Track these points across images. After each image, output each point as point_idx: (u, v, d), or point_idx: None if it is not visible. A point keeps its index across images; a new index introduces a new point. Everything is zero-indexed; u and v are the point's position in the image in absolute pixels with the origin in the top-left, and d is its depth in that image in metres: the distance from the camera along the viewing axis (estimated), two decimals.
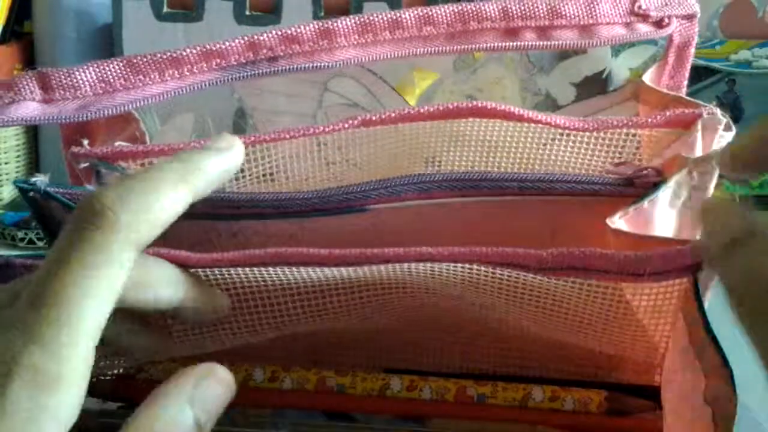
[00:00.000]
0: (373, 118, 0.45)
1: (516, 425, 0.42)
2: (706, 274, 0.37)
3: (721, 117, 0.44)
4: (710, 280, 0.38)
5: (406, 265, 0.38)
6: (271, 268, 0.39)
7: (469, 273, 0.39)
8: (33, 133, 1.08)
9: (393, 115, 0.44)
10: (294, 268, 0.39)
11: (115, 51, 1.00)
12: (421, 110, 0.45)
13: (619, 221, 0.40)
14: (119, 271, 0.31)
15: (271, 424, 0.42)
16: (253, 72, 0.44)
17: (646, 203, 0.41)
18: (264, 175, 0.46)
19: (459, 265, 0.38)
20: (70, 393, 0.29)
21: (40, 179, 0.43)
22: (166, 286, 0.36)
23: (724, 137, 0.43)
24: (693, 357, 0.35)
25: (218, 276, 0.39)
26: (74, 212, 0.31)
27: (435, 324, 0.46)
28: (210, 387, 0.32)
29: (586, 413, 0.42)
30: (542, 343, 0.45)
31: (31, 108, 0.42)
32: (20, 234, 0.94)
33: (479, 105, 0.44)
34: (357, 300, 0.41)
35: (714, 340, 0.34)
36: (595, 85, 0.75)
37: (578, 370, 0.45)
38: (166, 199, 0.33)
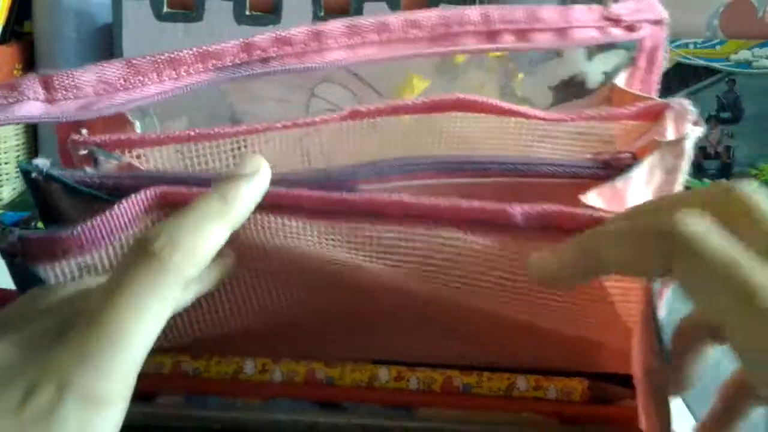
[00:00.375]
0: (362, 110, 0.47)
1: (502, 413, 0.44)
2: None
3: (689, 108, 0.46)
4: None
5: (386, 235, 0.41)
6: (258, 217, 0.42)
7: (450, 243, 0.42)
8: (33, 133, 1.10)
9: (381, 107, 0.47)
10: (279, 219, 0.42)
11: (115, 51, 1.02)
12: (408, 103, 0.48)
13: (593, 198, 0.43)
14: (166, 308, 0.34)
15: (263, 410, 0.44)
16: (246, 72, 0.46)
17: (619, 182, 0.44)
18: None
19: (440, 233, 0.41)
20: (114, 411, 0.32)
21: (42, 161, 0.45)
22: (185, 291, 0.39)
23: (694, 131, 0.46)
24: (643, 332, 0.38)
25: None
26: (129, 251, 0.35)
27: (419, 315, 0.48)
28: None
29: (569, 402, 0.44)
30: (524, 335, 0.47)
31: (34, 107, 0.44)
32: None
33: (461, 97, 0.47)
34: (339, 272, 0.44)
35: (653, 313, 0.37)
36: (570, 89, 0.78)
37: (560, 356, 0.47)
38: (211, 236, 0.36)
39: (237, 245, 0.42)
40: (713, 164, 1.09)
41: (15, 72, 1.08)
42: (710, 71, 1.06)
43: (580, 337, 0.46)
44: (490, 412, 0.44)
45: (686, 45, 1.06)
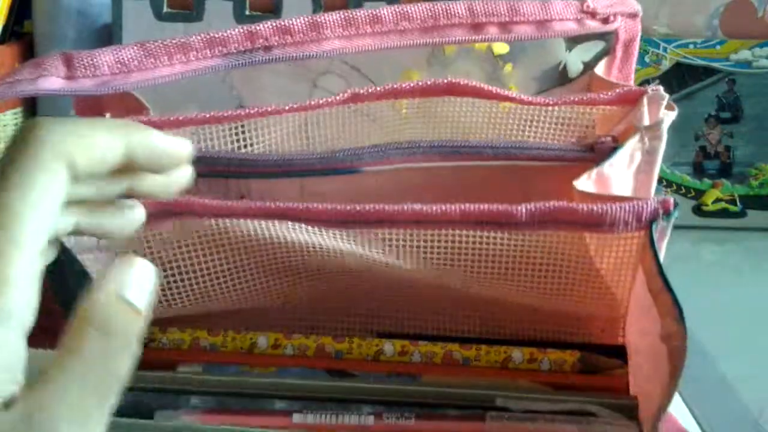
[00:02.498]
0: (362, 92, 0.52)
1: (500, 379, 0.48)
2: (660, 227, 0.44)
3: (664, 93, 0.52)
4: (663, 235, 0.45)
5: (395, 234, 0.46)
6: (271, 223, 0.46)
7: (452, 242, 0.46)
8: None
9: (380, 90, 0.52)
10: (291, 225, 0.46)
11: None
12: (404, 86, 0.53)
13: (584, 183, 0.48)
14: (52, 180, 0.33)
15: (277, 377, 0.48)
16: (250, 60, 0.51)
17: (606, 167, 0.49)
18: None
19: (443, 232, 0.46)
20: (19, 294, 0.31)
21: None
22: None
23: (668, 116, 0.50)
24: (651, 302, 0.42)
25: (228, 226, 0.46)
26: (12, 135, 0.35)
27: (418, 299, 0.53)
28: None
29: (561, 372, 0.48)
30: (517, 310, 0.52)
31: (55, 82, 0.48)
32: None
33: (453, 81, 0.53)
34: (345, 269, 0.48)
35: (667, 283, 0.41)
36: (552, 78, 0.82)
37: (550, 328, 0.52)
38: (101, 135, 0.35)
39: (243, 237, 0.47)
40: (713, 164, 1.11)
41: None
42: (710, 71, 1.08)
43: (571, 312, 0.51)
44: (489, 379, 0.49)
45: (686, 45, 1.07)
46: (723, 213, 1.10)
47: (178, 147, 0.37)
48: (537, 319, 0.52)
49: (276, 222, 0.46)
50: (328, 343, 0.50)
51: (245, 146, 0.53)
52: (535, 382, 0.48)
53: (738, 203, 1.10)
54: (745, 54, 1.09)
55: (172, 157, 0.37)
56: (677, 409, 0.61)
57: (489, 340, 0.50)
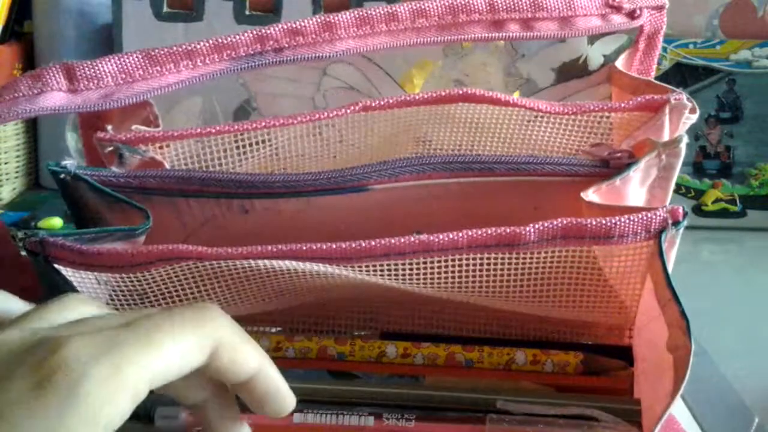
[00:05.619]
0: (374, 104, 0.51)
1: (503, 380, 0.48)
2: (669, 236, 0.44)
3: (687, 101, 0.50)
4: (672, 243, 0.45)
5: (401, 264, 0.45)
6: (275, 261, 0.45)
7: (459, 266, 0.46)
8: (33, 133, 1.12)
9: (391, 101, 0.51)
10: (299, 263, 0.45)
11: (115, 51, 1.01)
12: (417, 96, 0.52)
13: (592, 195, 0.47)
14: (122, 412, 0.32)
15: None
16: (260, 62, 0.50)
17: (618, 181, 0.48)
18: (269, 155, 0.53)
19: (450, 258, 0.45)
20: None
21: (71, 162, 0.49)
22: None
23: (690, 119, 0.50)
24: (659, 312, 0.42)
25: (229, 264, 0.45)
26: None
27: (422, 300, 0.52)
28: None
29: (564, 374, 0.48)
30: (522, 313, 0.51)
31: (57, 98, 0.47)
32: (20, 234, 0.95)
33: (469, 92, 0.51)
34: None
35: (674, 294, 0.41)
36: (572, 70, 0.81)
37: (556, 329, 0.52)
38: (181, 350, 0.33)
39: (245, 270, 0.46)
40: (713, 164, 1.11)
41: (15, 72, 1.09)
42: (710, 71, 1.08)
43: (578, 318, 0.51)
44: (493, 380, 0.48)
45: (686, 45, 1.07)
46: (723, 213, 1.10)
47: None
48: (543, 321, 0.52)
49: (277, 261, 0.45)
50: (330, 345, 0.50)
51: (254, 147, 0.53)
52: (538, 383, 0.48)
53: (738, 203, 1.10)
54: (745, 54, 1.09)
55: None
56: (677, 409, 0.61)
57: (494, 340, 0.50)
